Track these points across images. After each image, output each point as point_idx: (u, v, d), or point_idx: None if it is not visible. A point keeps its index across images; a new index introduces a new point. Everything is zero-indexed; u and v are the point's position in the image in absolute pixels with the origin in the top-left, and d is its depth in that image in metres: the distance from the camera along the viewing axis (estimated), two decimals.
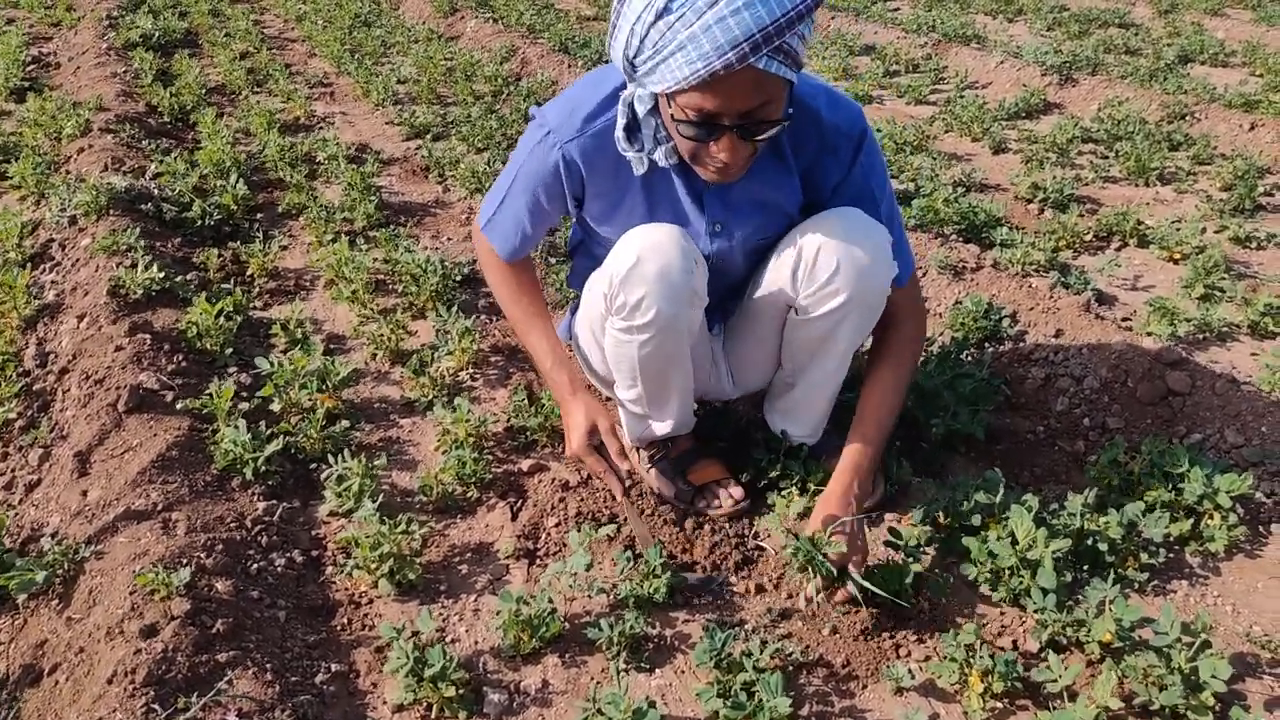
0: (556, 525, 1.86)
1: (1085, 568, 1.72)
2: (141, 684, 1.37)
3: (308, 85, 5.13)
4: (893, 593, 1.58)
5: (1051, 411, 2.21)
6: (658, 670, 1.56)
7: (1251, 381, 2.25)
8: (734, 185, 1.61)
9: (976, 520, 1.75)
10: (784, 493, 1.89)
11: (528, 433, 2.14)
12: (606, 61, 1.65)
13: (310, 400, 2.17)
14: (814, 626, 1.62)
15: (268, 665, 1.48)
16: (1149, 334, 2.43)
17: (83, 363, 2.28)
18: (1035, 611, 1.58)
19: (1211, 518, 1.79)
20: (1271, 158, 3.76)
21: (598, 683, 1.53)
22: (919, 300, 1.85)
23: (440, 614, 1.68)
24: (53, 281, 2.80)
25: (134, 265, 2.64)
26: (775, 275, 1.69)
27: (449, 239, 3.23)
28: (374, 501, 1.84)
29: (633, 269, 1.58)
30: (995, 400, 2.19)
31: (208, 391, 2.11)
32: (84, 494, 1.87)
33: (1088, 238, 3.12)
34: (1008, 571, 1.66)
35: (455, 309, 2.54)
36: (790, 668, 1.54)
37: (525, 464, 2.05)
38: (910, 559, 1.66)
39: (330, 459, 1.95)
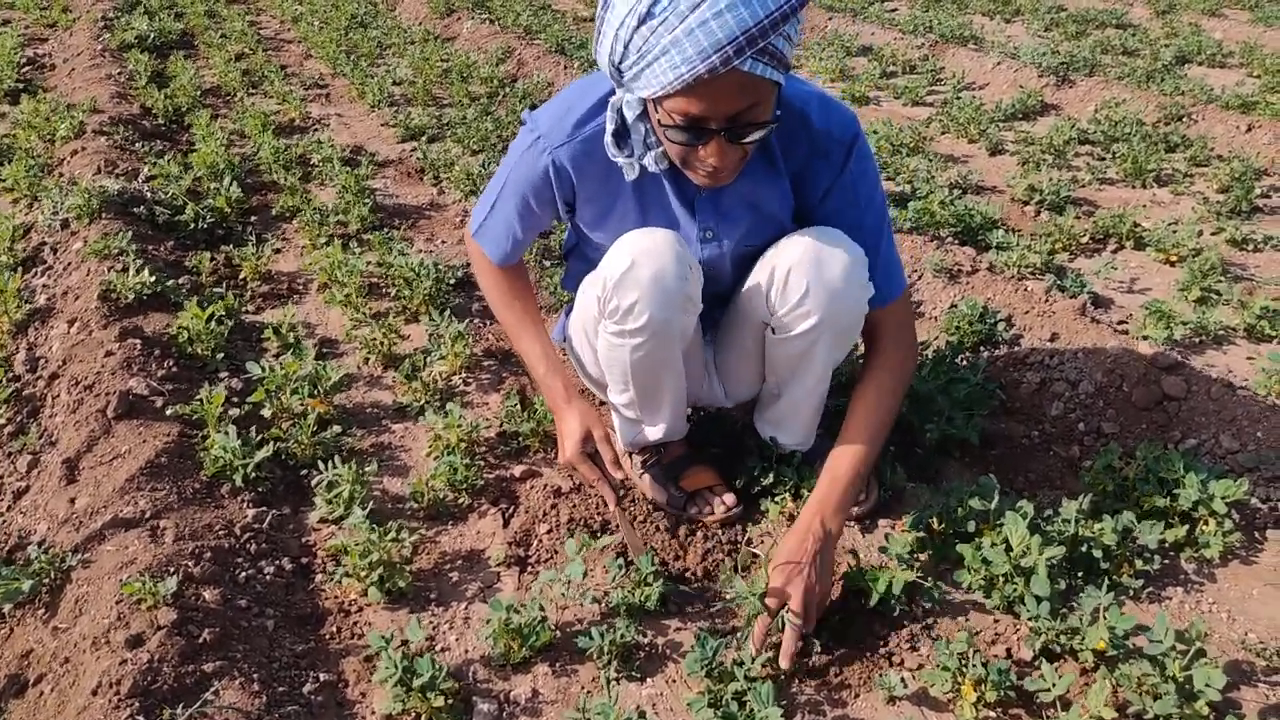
0: (548, 532, 1.85)
1: (1080, 574, 1.71)
2: (126, 695, 1.36)
3: (303, 87, 5.12)
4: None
5: (1046, 416, 2.20)
6: (649, 679, 1.55)
7: (1247, 386, 2.23)
8: (725, 191, 1.60)
9: (971, 526, 1.74)
10: (777, 499, 1.88)
11: (520, 438, 2.12)
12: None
13: (302, 405, 2.16)
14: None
15: (255, 675, 1.46)
16: (1145, 338, 2.41)
17: (73, 368, 2.26)
18: (1029, 619, 1.57)
19: (1206, 524, 1.78)
20: (1269, 159, 3.75)
21: (588, 692, 1.52)
22: (907, 323, 1.76)
23: (430, 622, 1.67)
24: (44, 285, 2.78)
25: (125, 269, 2.63)
26: (752, 291, 1.68)
27: (443, 242, 3.22)
28: (364, 508, 1.83)
29: (626, 273, 1.57)
30: (990, 405, 2.18)
31: (198, 397, 2.10)
32: (72, 501, 1.85)
33: (1084, 240, 3.11)
34: (1002, 578, 1.65)
35: (448, 313, 2.52)
36: (782, 676, 1.52)
37: (517, 470, 2.04)
38: (903, 566, 1.65)
39: (321, 465, 1.94)
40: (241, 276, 2.93)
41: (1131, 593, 1.70)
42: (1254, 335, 2.53)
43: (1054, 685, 1.44)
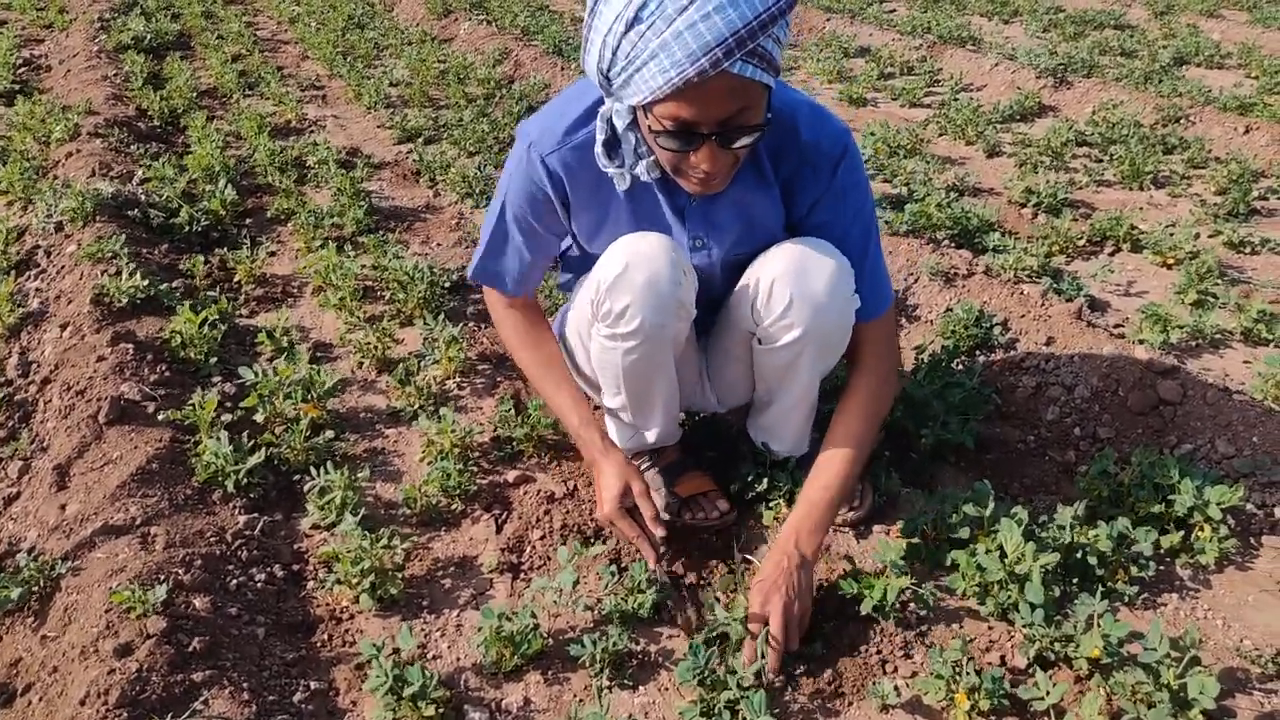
0: (541, 538, 1.84)
1: (1075, 581, 1.70)
2: (115, 705, 1.35)
3: (300, 88, 5.11)
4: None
5: (1042, 421, 2.19)
6: (641, 687, 1.54)
7: (1244, 390, 2.23)
8: (716, 200, 1.59)
9: (965, 533, 1.73)
10: (771, 505, 1.87)
11: (514, 443, 2.12)
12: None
13: (295, 410, 2.15)
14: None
15: (244, 684, 1.46)
16: (1141, 341, 2.41)
17: (65, 373, 2.26)
18: (1024, 626, 1.56)
19: (1202, 530, 1.78)
20: (1266, 161, 3.75)
21: (580, 700, 1.52)
22: (891, 341, 1.75)
23: (422, 629, 1.66)
24: (37, 289, 2.78)
25: (118, 273, 2.62)
26: (738, 301, 1.67)
27: (438, 244, 3.21)
28: (357, 514, 1.82)
29: (620, 276, 1.56)
30: (985, 409, 2.17)
31: (191, 402, 2.09)
32: (62, 508, 1.84)
33: (1081, 243, 3.10)
34: (996, 585, 1.64)
35: (442, 317, 2.52)
36: (775, 684, 1.52)
37: (511, 475, 2.03)
38: (897, 572, 1.64)
39: (314, 471, 1.93)
40: (236, 280, 2.92)
41: (1126, 599, 1.69)
42: (1251, 339, 2.52)
43: (1048, 693, 1.44)
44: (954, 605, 1.69)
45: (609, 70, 1.34)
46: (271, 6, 7.46)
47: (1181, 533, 1.79)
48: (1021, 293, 2.60)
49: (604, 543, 1.80)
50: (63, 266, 2.83)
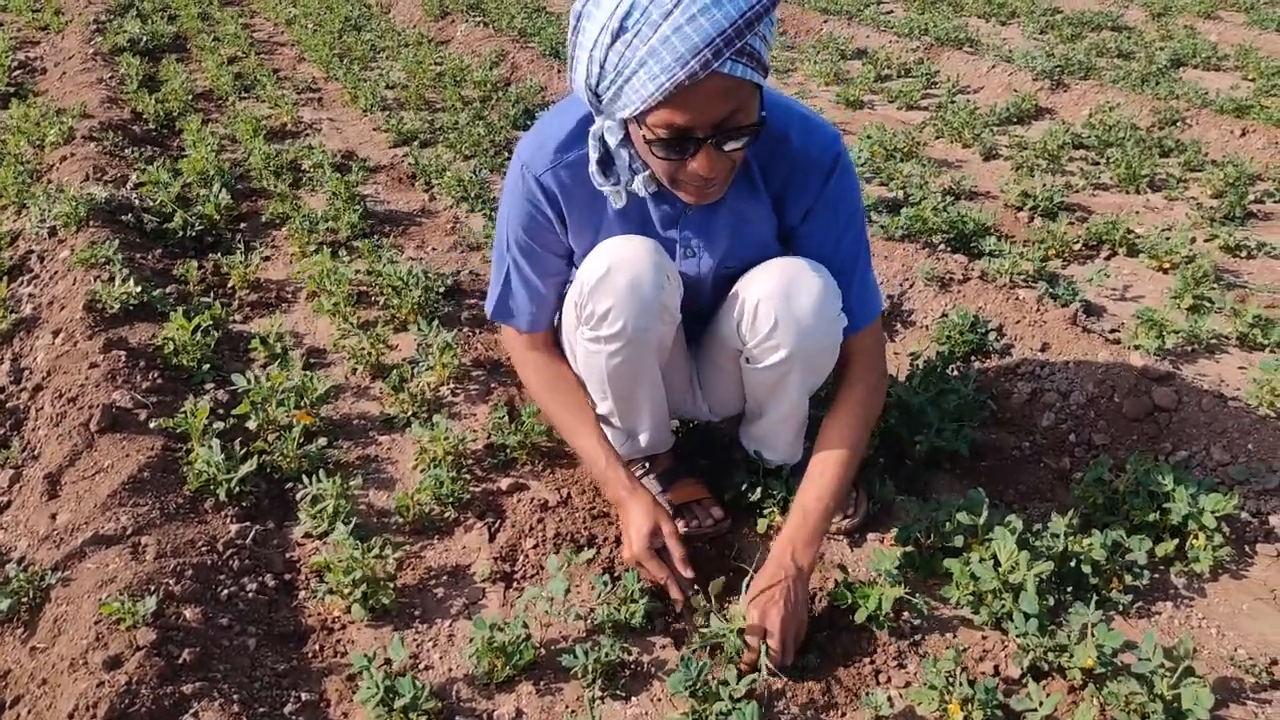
0: (534, 547, 1.84)
1: (1069, 590, 1.70)
2: (104, 718, 1.34)
3: (296, 91, 5.10)
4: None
5: (1037, 427, 2.19)
6: (633, 698, 1.54)
7: (1239, 396, 2.22)
8: (711, 211, 1.58)
9: (959, 541, 1.73)
10: (765, 513, 1.87)
11: (507, 450, 2.11)
12: None
13: (288, 417, 2.14)
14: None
15: (235, 696, 1.45)
16: (1137, 347, 2.40)
17: (57, 380, 2.25)
18: (1017, 636, 1.56)
19: (1196, 538, 1.77)
20: (1262, 164, 3.75)
21: (573, 712, 1.51)
22: (880, 349, 1.76)
23: (414, 639, 1.65)
24: (30, 294, 2.77)
25: (111, 279, 2.61)
26: (724, 319, 1.67)
27: (433, 249, 3.20)
28: (349, 523, 1.81)
29: (602, 279, 1.55)
30: (980, 416, 2.16)
31: (183, 410, 2.08)
32: (53, 517, 1.84)
33: (1077, 247, 3.10)
34: (990, 594, 1.64)
35: (436, 323, 2.51)
36: (767, 695, 1.51)
37: (504, 483, 2.02)
38: (891, 582, 1.64)
39: (306, 478, 1.92)
40: (230, 285, 2.91)
41: (1121, 608, 1.69)
42: (1246, 344, 2.52)
43: (1041, 704, 1.43)
44: (948, 614, 1.68)
45: (598, 85, 1.33)
46: (268, 8, 7.45)
47: (1176, 541, 1.78)
48: (1017, 298, 2.60)
49: (597, 551, 1.80)
50: (56, 272, 2.82)
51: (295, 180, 3.73)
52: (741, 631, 1.52)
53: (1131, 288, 2.87)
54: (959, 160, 4.01)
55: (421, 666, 1.60)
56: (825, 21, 6.54)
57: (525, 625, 1.57)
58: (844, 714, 1.50)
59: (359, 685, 1.48)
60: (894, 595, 1.62)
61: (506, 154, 3.97)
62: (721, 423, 2.00)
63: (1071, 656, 1.51)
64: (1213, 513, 1.75)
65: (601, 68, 1.30)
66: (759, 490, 1.86)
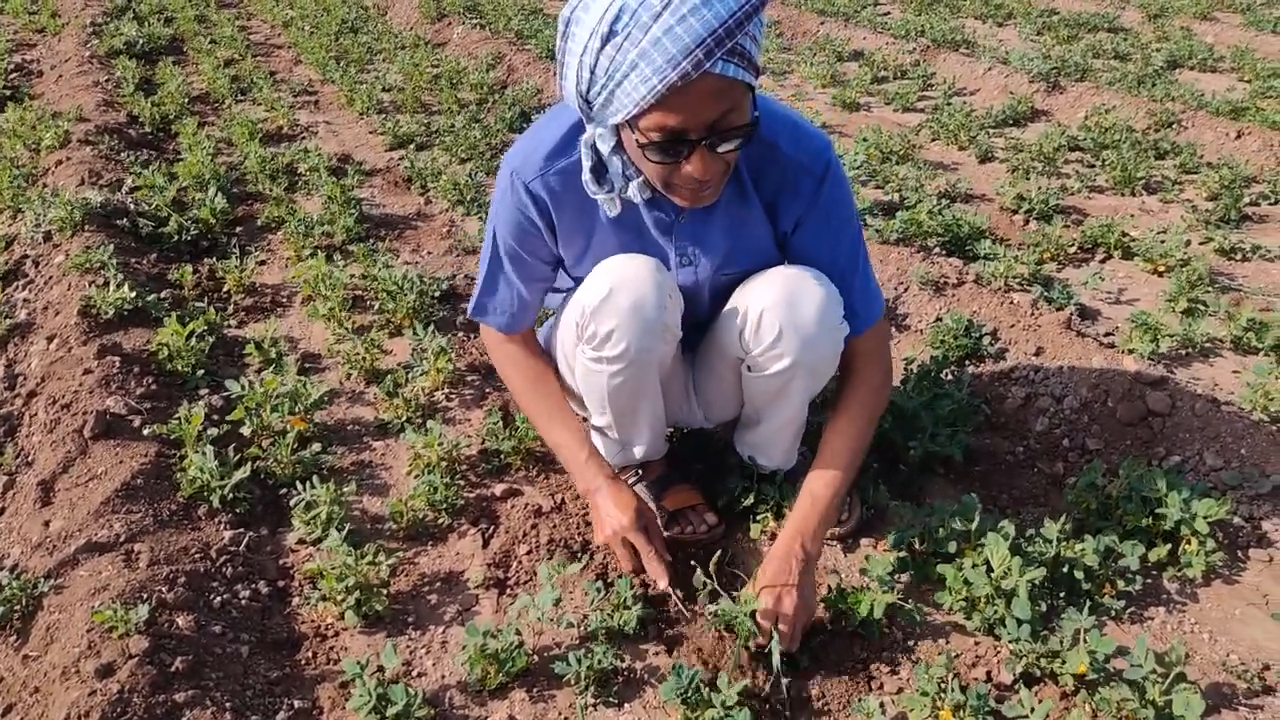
0: (528, 553, 1.84)
1: (1062, 595, 1.70)
2: None
3: (292, 94, 5.10)
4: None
5: (1031, 432, 2.19)
6: (626, 705, 1.54)
7: (1233, 401, 2.22)
8: (704, 217, 1.58)
9: (952, 547, 1.73)
10: (759, 518, 1.87)
11: (501, 456, 2.11)
12: None
13: (282, 423, 2.14)
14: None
15: (227, 704, 1.45)
16: (1131, 351, 2.40)
17: (51, 386, 2.24)
18: (1010, 641, 1.56)
19: (1189, 543, 1.77)
20: (1258, 167, 3.75)
21: (565, 718, 1.51)
22: (883, 348, 1.76)
23: (407, 646, 1.65)
24: (25, 300, 2.77)
25: (106, 284, 2.61)
26: (726, 328, 1.67)
27: (429, 253, 3.20)
28: (342, 530, 1.81)
29: (605, 300, 1.55)
30: (974, 421, 2.17)
31: (177, 416, 2.08)
32: (46, 524, 1.84)
33: (1072, 250, 3.10)
34: (983, 600, 1.64)
35: (431, 327, 2.51)
36: (760, 699, 1.51)
37: (498, 488, 2.02)
38: (884, 587, 1.64)
39: (300, 485, 1.92)
40: (225, 289, 2.91)
41: (1113, 613, 1.69)
42: (1240, 347, 2.52)
43: (1032, 711, 1.43)
44: (940, 620, 1.68)
45: (589, 91, 1.33)
46: (265, 10, 7.45)
47: (1169, 546, 1.79)
48: (1012, 301, 2.60)
49: (590, 558, 1.80)
50: (51, 277, 2.82)
51: (291, 184, 3.73)
52: (753, 614, 1.53)
53: (1126, 291, 2.88)
54: (955, 163, 4.01)
55: (414, 674, 1.60)
56: (822, 23, 6.54)
57: (518, 632, 1.57)
58: None
59: (352, 693, 1.48)
60: (886, 601, 1.62)
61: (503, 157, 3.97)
62: (715, 428, 2.00)
63: (1064, 662, 1.51)
64: (1205, 518, 1.75)
65: (592, 73, 1.30)
66: (753, 496, 1.87)
